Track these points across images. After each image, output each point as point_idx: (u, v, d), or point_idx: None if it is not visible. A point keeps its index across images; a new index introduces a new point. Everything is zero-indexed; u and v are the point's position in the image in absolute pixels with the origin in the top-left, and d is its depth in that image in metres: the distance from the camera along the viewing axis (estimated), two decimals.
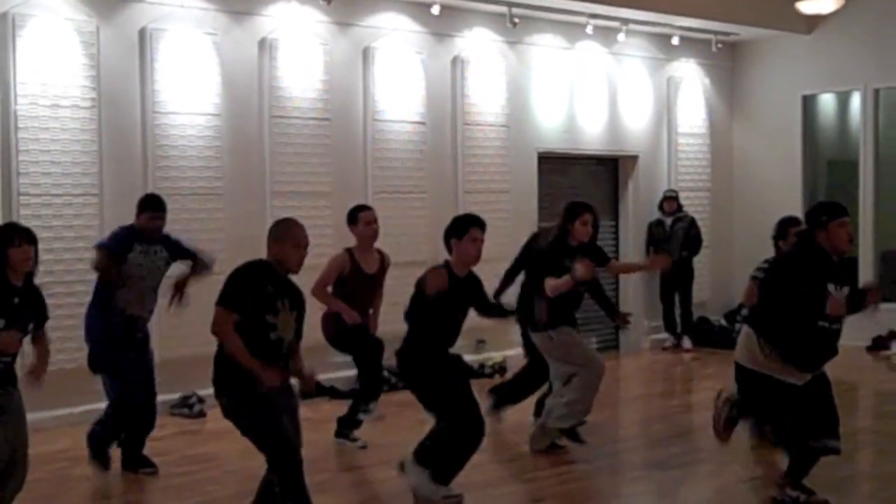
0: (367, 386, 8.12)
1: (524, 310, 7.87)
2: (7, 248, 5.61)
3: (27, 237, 5.71)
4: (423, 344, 6.60)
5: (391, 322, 8.30)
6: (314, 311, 7.66)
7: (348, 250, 8.16)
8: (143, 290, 7.37)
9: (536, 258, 7.91)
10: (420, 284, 6.59)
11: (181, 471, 7.56)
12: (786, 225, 7.57)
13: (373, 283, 8.19)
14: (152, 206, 7.46)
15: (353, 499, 6.90)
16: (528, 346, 8.30)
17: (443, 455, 6.52)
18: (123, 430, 7.38)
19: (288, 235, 5.61)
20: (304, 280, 6.28)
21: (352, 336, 8.06)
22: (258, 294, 5.48)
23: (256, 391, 5.44)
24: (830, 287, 6.16)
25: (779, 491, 6.47)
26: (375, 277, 8.21)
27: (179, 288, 7.57)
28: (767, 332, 6.25)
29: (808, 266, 6.17)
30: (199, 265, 7.67)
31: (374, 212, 8.33)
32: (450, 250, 6.66)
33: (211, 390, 9.68)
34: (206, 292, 9.59)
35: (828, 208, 6.34)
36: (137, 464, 7.39)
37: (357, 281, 8.06)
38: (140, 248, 7.33)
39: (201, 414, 9.28)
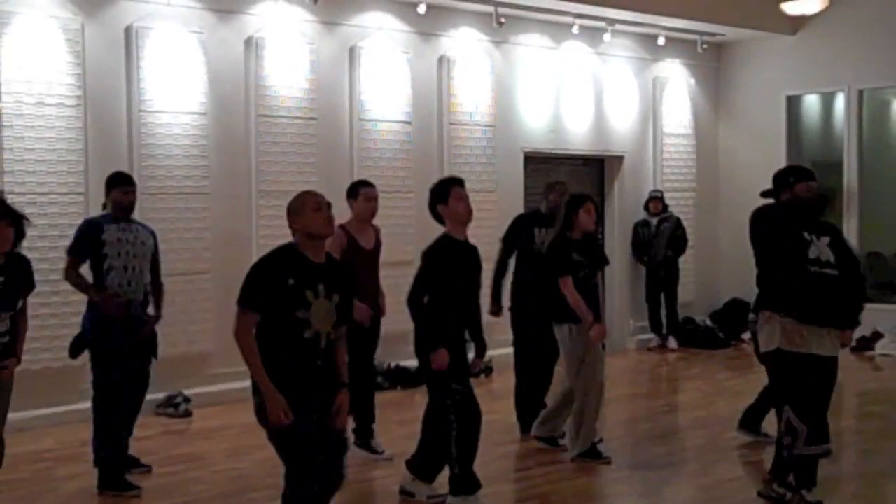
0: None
1: (527, 301, 7.96)
2: None
3: (4, 211, 5.73)
4: (442, 324, 6.43)
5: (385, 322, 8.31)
6: None
7: (342, 226, 7.56)
8: (131, 268, 7.06)
9: (545, 256, 7.75)
10: (424, 255, 6.50)
11: (167, 471, 7.53)
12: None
13: (372, 260, 7.89)
14: (122, 180, 7.24)
15: (342, 498, 6.88)
16: (519, 339, 8.31)
17: (435, 458, 6.56)
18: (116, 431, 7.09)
19: (303, 203, 5.17)
20: None
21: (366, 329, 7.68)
22: (279, 290, 4.88)
23: (288, 394, 4.88)
24: (806, 235, 6.16)
25: (765, 487, 6.50)
26: (373, 253, 7.91)
27: None
28: (772, 299, 6.17)
29: (778, 215, 6.29)
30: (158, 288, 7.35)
31: (377, 189, 8.08)
32: (441, 220, 6.56)
33: (196, 389, 9.77)
34: (191, 290, 9.65)
35: (795, 170, 6.48)
36: (128, 464, 7.26)
37: (356, 258, 7.62)
38: (114, 226, 7.06)
39: (187, 413, 9.27)
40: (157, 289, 7.33)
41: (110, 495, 6.85)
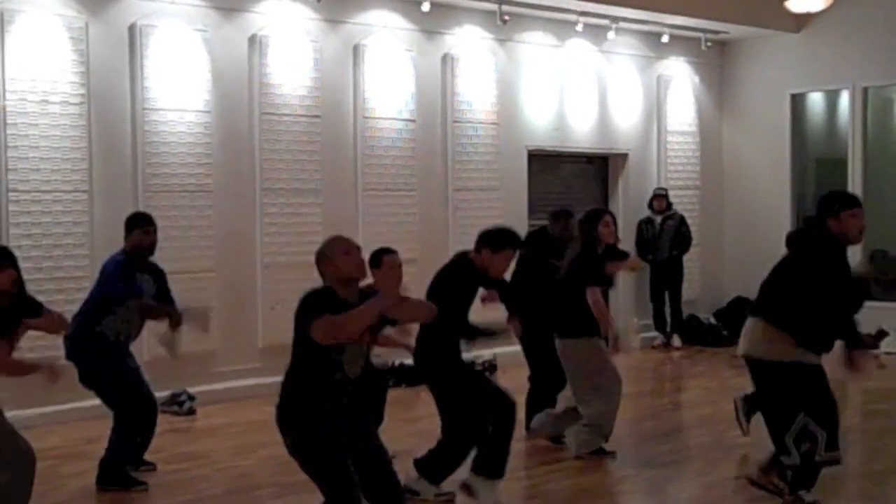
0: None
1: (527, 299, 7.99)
2: None
3: (8, 259, 5.71)
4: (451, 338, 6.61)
5: None
6: None
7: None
8: (131, 318, 7.13)
9: (570, 271, 7.72)
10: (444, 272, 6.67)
11: (171, 468, 7.54)
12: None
13: None
14: (143, 220, 7.27)
15: None
16: (524, 339, 8.33)
17: (449, 463, 6.62)
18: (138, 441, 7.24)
19: (332, 247, 5.17)
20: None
21: None
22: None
23: (320, 429, 5.02)
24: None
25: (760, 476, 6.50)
26: None
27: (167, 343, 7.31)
28: (783, 321, 6.09)
29: (829, 255, 6.10)
30: (175, 318, 7.23)
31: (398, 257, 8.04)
32: (478, 250, 6.63)
33: (200, 387, 9.76)
34: (195, 287, 9.65)
35: (840, 197, 6.32)
36: (136, 463, 7.30)
37: None
38: (140, 277, 7.11)
39: (191, 411, 9.27)
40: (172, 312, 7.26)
41: (116, 491, 6.87)
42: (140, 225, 7.20)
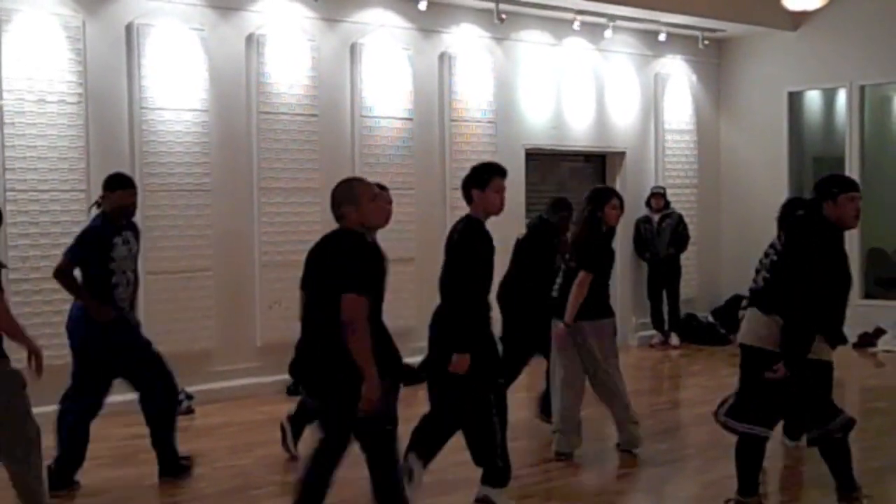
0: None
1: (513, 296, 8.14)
2: None
3: None
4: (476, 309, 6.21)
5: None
6: None
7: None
8: (131, 285, 7.14)
9: (576, 248, 7.67)
10: (459, 238, 6.25)
11: None
12: (794, 207, 7.41)
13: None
14: (125, 181, 7.13)
15: (343, 496, 6.88)
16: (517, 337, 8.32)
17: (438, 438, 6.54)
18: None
19: (359, 193, 5.19)
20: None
21: None
22: (380, 275, 5.09)
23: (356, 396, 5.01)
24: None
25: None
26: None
27: None
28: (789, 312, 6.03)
29: (829, 242, 6.08)
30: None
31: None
32: (469, 201, 6.34)
33: (198, 387, 9.72)
34: (193, 287, 9.65)
35: (839, 181, 6.26)
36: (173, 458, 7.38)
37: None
38: (119, 238, 7.00)
39: (189, 411, 9.26)
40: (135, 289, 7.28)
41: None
42: (124, 186, 7.07)
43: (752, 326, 6.22)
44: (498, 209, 6.33)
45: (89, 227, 7.15)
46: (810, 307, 5.95)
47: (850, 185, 6.19)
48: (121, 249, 7.00)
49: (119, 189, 7.05)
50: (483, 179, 6.28)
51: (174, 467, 7.19)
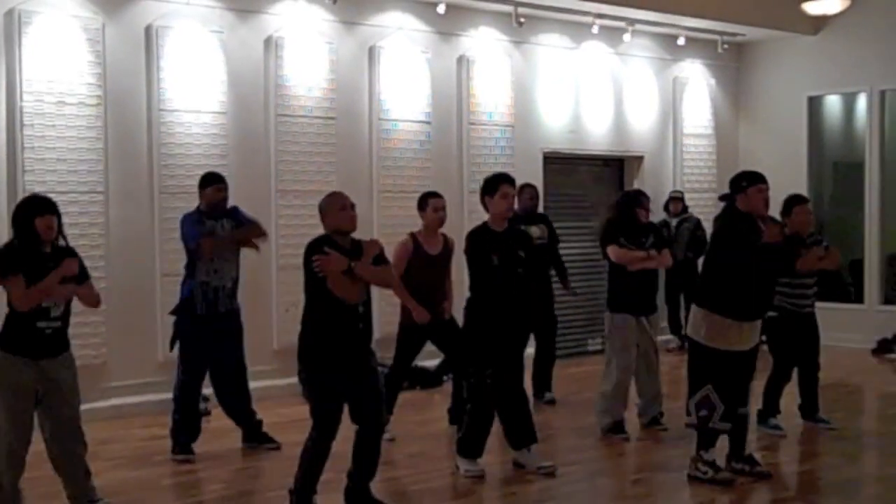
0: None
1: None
2: (33, 218, 5.89)
3: (49, 207, 5.97)
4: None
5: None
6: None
7: (412, 234, 8.39)
8: (218, 261, 7.73)
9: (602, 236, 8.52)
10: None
11: (185, 468, 7.56)
12: (790, 204, 8.29)
13: (436, 265, 8.33)
14: (215, 178, 7.88)
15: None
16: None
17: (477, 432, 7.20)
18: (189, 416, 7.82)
19: (331, 203, 6.18)
20: None
21: (422, 330, 8.27)
22: (314, 272, 5.98)
23: (329, 353, 6.01)
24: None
25: (692, 467, 7.07)
26: (438, 259, 8.36)
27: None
28: (714, 303, 6.77)
29: (744, 227, 6.75)
30: (255, 231, 8.10)
31: (444, 200, 8.52)
32: (487, 209, 7.21)
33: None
34: None
35: (748, 175, 6.95)
36: (259, 439, 8.05)
37: (421, 262, 8.23)
38: (209, 223, 7.73)
39: (206, 412, 9.24)
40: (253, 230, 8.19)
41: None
42: (213, 182, 7.84)
43: (690, 320, 7.04)
44: (506, 211, 7.18)
45: (183, 216, 7.99)
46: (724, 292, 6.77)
47: (757, 178, 6.87)
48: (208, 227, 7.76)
49: (209, 185, 7.83)
50: (492, 187, 7.18)
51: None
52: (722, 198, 7.13)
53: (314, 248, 6.03)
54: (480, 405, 7.16)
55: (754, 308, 6.89)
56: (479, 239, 7.12)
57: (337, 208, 6.13)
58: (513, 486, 7.08)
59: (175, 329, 7.90)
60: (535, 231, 9.59)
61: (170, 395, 8.58)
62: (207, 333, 7.77)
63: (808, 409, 8.63)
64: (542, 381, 9.89)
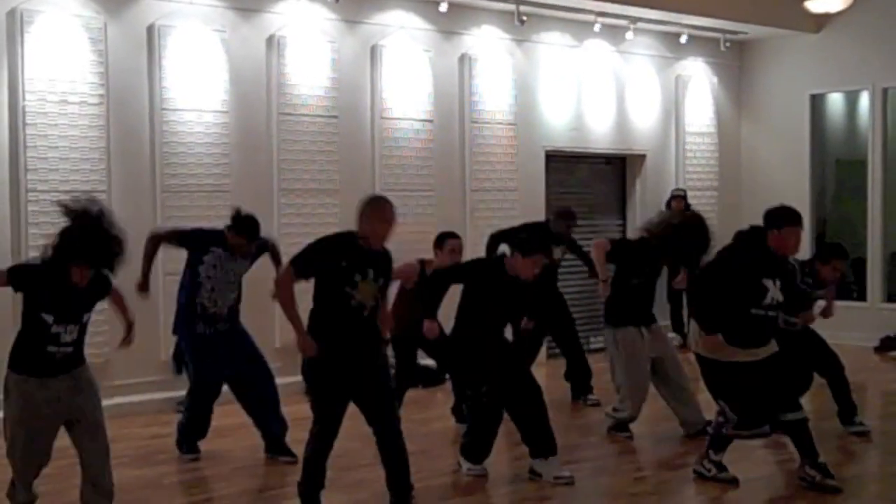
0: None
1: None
2: (70, 265, 5.47)
3: (90, 258, 5.50)
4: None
5: None
6: None
7: (421, 262, 8.34)
8: (220, 291, 7.55)
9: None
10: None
11: (188, 467, 7.57)
12: (831, 254, 8.46)
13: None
14: (243, 230, 7.48)
15: (358, 497, 6.89)
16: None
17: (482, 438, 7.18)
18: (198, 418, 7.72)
19: (377, 212, 6.06)
20: None
21: (412, 340, 8.33)
22: (330, 268, 5.93)
23: (333, 344, 5.98)
24: (767, 282, 6.65)
25: (698, 463, 7.12)
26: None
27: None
28: (706, 321, 6.68)
29: (751, 261, 6.71)
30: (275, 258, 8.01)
31: (461, 241, 8.63)
32: (511, 254, 7.19)
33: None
34: None
35: (788, 213, 6.79)
36: (278, 451, 7.74)
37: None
38: (217, 251, 7.49)
39: None
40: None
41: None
42: (240, 233, 7.48)
43: (690, 333, 7.11)
44: (526, 278, 7.04)
45: (210, 227, 7.90)
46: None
47: (796, 218, 6.79)
48: (211, 259, 7.54)
49: (234, 232, 7.47)
50: (528, 249, 7.00)
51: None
52: (753, 229, 6.93)
53: (333, 243, 6.06)
54: (481, 420, 7.17)
55: (751, 342, 6.71)
56: (484, 270, 7.19)
57: (379, 220, 6.03)
58: (516, 484, 7.08)
59: (176, 348, 7.83)
60: (556, 253, 9.61)
61: (172, 394, 8.65)
62: (217, 350, 7.59)
63: (844, 414, 8.49)
64: (578, 384, 9.89)
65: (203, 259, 7.47)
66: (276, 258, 7.94)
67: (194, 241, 7.60)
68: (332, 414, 6.03)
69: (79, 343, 5.69)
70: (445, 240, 8.58)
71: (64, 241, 5.40)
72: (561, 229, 9.71)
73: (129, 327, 6.20)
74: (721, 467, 7.01)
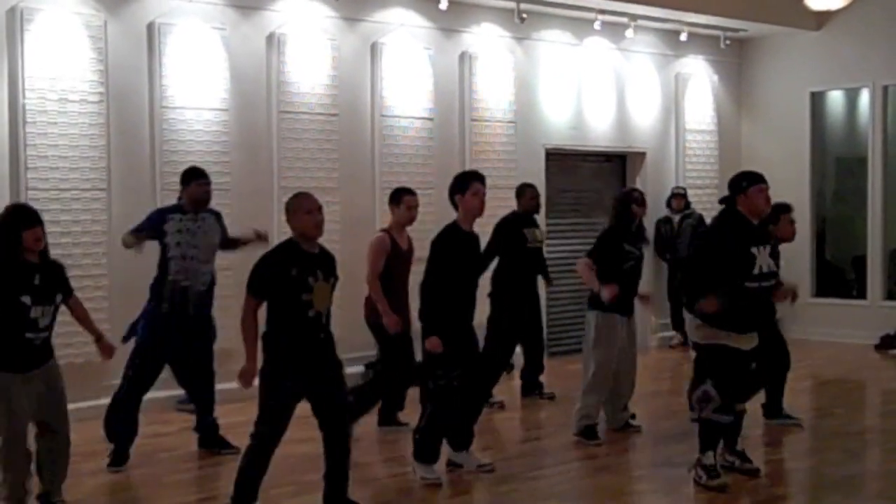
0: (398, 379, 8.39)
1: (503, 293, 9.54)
2: (21, 230, 5.87)
3: (36, 218, 5.97)
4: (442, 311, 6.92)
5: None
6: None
7: (385, 230, 8.29)
8: (191, 261, 7.53)
9: (597, 245, 8.32)
10: (433, 244, 7.03)
11: (187, 467, 7.57)
12: (778, 211, 8.11)
13: (407, 261, 8.31)
14: (198, 173, 7.67)
15: (358, 496, 6.90)
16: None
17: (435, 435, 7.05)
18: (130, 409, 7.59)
19: (297, 205, 5.93)
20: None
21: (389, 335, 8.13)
22: (283, 279, 5.81)
23: (289, 365, 5.90)
24: (754, 249, 6.63)
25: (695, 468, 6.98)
26: (409, 255, 8.33)
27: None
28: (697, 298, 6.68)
29: (732, 231, 6.72)
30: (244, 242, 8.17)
31: (418, 198, 8.44)
32: (456, 207, 7.05)
33: (218, 386, 9.74)
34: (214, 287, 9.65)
35: (748, 174, 6.91)
36: (215, 444, 7.74)
37: (397, 260, 8.15)
38: (177, 216, 7.53)
39: (193, 411, 9.25)
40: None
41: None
42: (196, 177, 7.63)
43: (687, 324, 7.17)
44: (478, 211, 7.04)
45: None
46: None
47: (757, 177, 6.86)
48: (174, 224, 7.53)
49: (191, 181, 7.61)
50: (463, 185, 7.04)
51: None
52: (722, 201, 7.04)
53: (277, 255, 5.93)
54: (446, 407, 7.00)
55: (749, 318, 6.76)
56: (449, 239, 7.01)
57: (303, 211, 5.90)
58: (512, 483, 7.08)
59: (134, 322, 7.65)
60: (538, 234, 9.88)
61: (170, 393, 8.61)
62: (169, 333, 7.52)
63: (770, 409, 8.57)
64: (534, 380, 10.11)
65: (165, 230, 7.51)
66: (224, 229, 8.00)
67: (150, 220, 7.65)
68: (281, 415, 5.97)
69: (50, 330, 6.03)
70: (402, 196, 8.33)
71: (3, 218, 5.97)
72: (528, 205, 9.93)
73: (99, 337, 6.42)
74: (711, 472, 6.87)
